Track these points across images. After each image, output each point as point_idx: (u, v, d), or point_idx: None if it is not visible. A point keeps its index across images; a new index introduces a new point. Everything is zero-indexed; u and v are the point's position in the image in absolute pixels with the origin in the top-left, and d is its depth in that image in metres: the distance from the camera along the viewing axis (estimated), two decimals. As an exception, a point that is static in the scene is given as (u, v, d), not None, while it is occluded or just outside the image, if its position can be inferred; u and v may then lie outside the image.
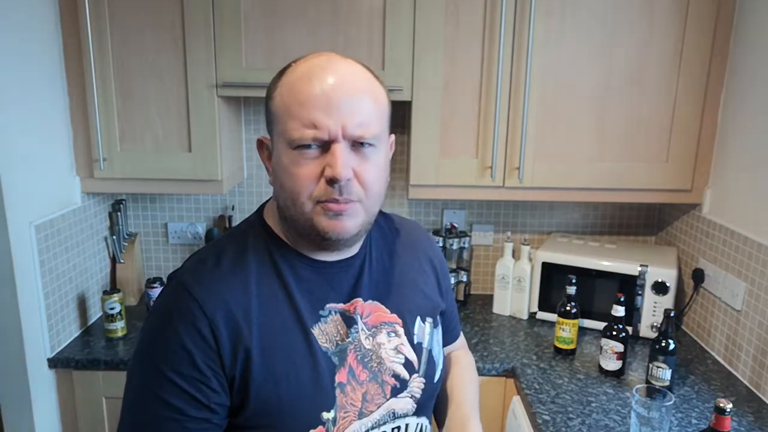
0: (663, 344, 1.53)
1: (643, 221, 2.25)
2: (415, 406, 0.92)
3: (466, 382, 1.06)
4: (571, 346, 1.78)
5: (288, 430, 0.81)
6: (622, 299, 1.63)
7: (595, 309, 1.94)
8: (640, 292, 1.87)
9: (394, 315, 0.92)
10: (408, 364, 0.91)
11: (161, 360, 0.77)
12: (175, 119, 1.79)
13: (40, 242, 1.65)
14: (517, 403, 1.61)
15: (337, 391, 0.83)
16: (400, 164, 2.17)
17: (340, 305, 0.87)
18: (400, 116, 2.12)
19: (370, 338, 0.88)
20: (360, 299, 0.89)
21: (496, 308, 2.09)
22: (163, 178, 1.83)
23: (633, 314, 1.88)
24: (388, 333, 0.90)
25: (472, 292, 2.24)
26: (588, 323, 1.95)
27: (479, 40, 1.76)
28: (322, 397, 0.82)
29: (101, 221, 2.03)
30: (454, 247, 2.11)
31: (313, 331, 0.84)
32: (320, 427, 0.81)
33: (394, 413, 0.89)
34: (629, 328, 1.87)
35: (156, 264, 2.25)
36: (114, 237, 2.03)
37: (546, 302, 2.02)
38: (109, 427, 1.75)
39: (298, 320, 0.83)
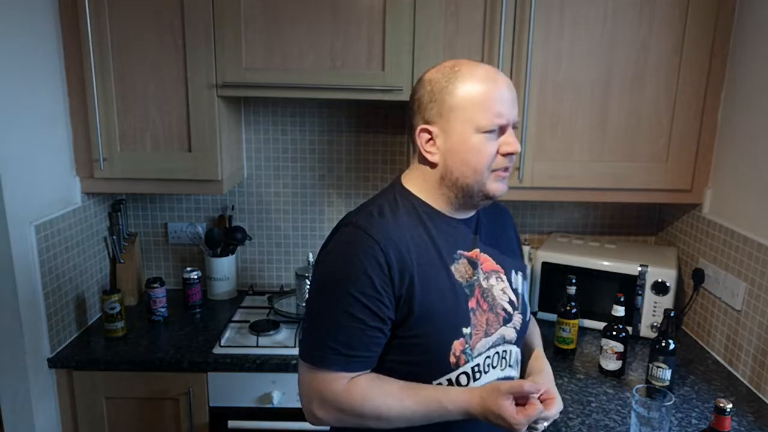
0: (663, 344, 1.53)
1: (643, 221, 2.25)
2: (516, 335, 1.16)
3: (536, 334, 1.34)
4: (571, 346, 1.78)
5: (440, 335, 1.05)
6: (622, 299, 1.63)
7: (595, 309, 1.94)
8: (640, 292, 1.87)
9: (498, 265, 1.17)
10: (511, 303, 1.16)
11: (349, 283, 1.01)
12: (175, 119, 1.79)
13: (40, 242, 1.65)
14: (517, 403, 1.61)
15: (471, 314, 1.08)
16: (400, 164, 2.17)
17: (467, 252, 1.12)
18: (400, 116, 2.12)
19: (486, 280, 1.13)
20: (478, 249, 1.14)
21: (496, 308, 2.09)
22: (163, 178, 1.83)
23: (633, 314, 1.88)
24: (496, 278, 1.15)
25: (472, 292, 2.24)
26: (588, 323, 1.95)
27: (479, 40, 1.76)
28: (462, 316, 1.07)
29: (101, 221, 2.03)
30: (454, 247, 2.10)
31: (451, 268, 1.08)
32: (461, 339, 1.06)
33: (504, 338, 1.14)
34: (629, 328, 1.87)
35: (156, 264, 2.25)
36: (114, 237, 2.03)
37: (546, 302, 2.02)
38: (109, 427, 1.75)
39: (440, 259, 1.08)
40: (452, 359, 1.05)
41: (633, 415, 1.32)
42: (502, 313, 1.14)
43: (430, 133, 1.07)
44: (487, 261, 1.15)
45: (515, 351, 1.17)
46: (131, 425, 1.76)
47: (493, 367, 1.11)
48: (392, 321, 1.04)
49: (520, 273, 1.22)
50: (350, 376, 1.04)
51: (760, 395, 1.57)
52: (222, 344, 1.79)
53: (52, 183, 1.73)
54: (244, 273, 2.27)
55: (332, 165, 2.19)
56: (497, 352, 1.12)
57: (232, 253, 2.18)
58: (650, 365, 1.56)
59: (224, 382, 1.72)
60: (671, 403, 1.28)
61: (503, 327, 1.13)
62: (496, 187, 1.08)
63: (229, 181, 1.93)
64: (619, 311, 1.63)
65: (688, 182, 1.85)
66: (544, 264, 1.99)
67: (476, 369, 1.08)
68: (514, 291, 1.18)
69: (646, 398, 1.31)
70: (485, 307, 1.11)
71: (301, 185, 2.20)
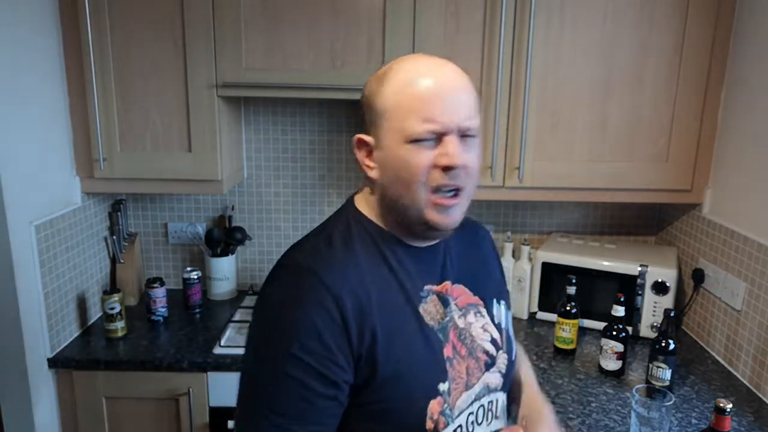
0: (663, 344, 1.53)
1: (643, 221, 2.25)
2: (502, 381, 0.99)
3: (526, 364, 1.16)
4: (571, 346, 1.78)
5: (413, 398, 0.86)
6: (622, 299, 1.63)
7: (595, 309, 1.94)
8: (640, 292, 1.87)
9: (477, 297, 0.99)
10: (494, 342, 0.98)
11: (291, 338, 0.80)
12: (175, 119, 1.79)
13: (40, 242, 1.65)
14: (517, 403, 1.61)
15: (447, 365, 0.90)
16: (400, 164, 2.17)
17: (435, 287, 0.93)
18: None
19: (462, 318, 0.95)
20: (449, 282, 0.95)
21: (496, 308, 2.09)
22: (163, 178, 1.83)
23: (633, 314, 1.88)
24: (475, 314, 0.97)
25: (472, 292, 2.24)
26: (588, 323, 1.95)
27: (479, 40, 1.76)
28: (437, 370, 0.89)
29: (101, 221, 2.03)
30: (454, 247, 2.10)
31: (419, 309, 0.90)
32: (439, 398, 0.87)
33: (488, 387, 0.96)
34: (629, 328, 1.87)
35: (156, 264, 2.25)
36: (114, 237, 2.03)
37: (546, 302, 2.02)
38: (109, 427, 1.75)
39: (407, 300, 0.89)
40: (429, 425, 0.86)
41: (633, 415, 1.32)
42: (484, 357, 0.95)
43: (367, 144, 0.90)
44: (462, 294, 0.96)
45: (502, 399, 1.00)
46: (131, 425, 1.76)
47: (479, 424, 0.95)
48: (350, 385, 0.84)
49: (503, 302, 1.04)
50: None
51: (760, 395, 1.57)
52: (222, 344, 1.79)
53: (52, 183, 1.73)
54: (244, 273, 2.27)
55: (332, 165, 2.19)
56: (482, 406, 0.95)
57: (232, 253, 2.18)
58: (650, 365, 1.56)
59: (224, 382, 1.72)
60: (671, 403, 1.28)
61: (486, 373, 0.96)
62: (438, 218, 0.86)
63: (229, 181, 1.93)
64: (619, 311, 1.63)
65: (688, 182, 1.85)
66: (544, 264, 1.99)
67: (459, 431, 0.91)
68: (497, 326, 1.00)
69: (646, 398, 1.31)
70: (464, 352, 0.92)
71: (301, 185, 2.20)
